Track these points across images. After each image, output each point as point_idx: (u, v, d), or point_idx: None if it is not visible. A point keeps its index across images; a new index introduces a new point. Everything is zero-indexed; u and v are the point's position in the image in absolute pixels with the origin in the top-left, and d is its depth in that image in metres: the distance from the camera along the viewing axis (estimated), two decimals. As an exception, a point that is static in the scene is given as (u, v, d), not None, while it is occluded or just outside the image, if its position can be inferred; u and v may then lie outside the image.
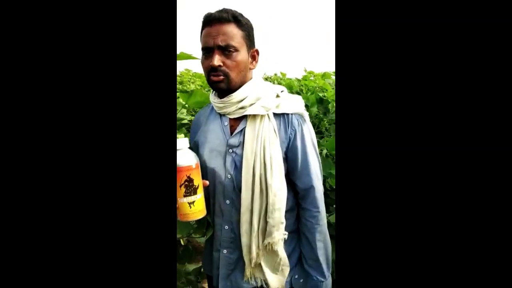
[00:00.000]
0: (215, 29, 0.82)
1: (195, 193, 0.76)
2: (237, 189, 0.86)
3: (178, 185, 0.74)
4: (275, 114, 0.86)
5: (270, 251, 0.86)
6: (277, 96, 0.89)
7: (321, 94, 2.41)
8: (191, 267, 1.19)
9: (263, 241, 0.86)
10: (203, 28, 0.85)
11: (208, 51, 0.83)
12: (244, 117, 0.87)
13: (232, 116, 0.88)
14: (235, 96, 0.84)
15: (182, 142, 0.77)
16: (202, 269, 1.25)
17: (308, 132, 0.90)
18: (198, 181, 0.77)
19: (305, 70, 3.61)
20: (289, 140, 0.87)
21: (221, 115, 0.91)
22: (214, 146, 0.89)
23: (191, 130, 1.03)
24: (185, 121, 2.00)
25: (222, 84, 0.83)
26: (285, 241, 0.89)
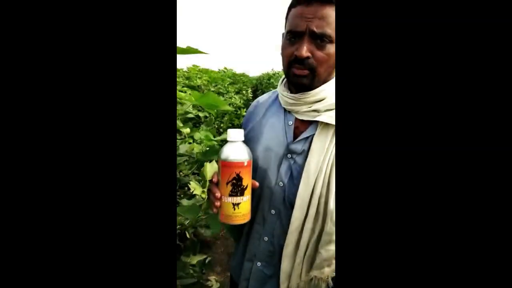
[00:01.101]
0: (312, 10, 0.64)
1: (242, 194, 0.66)
2: (288, 201, 0.73)
3: (224, 181, 0.65)
4: None
5: (314, 285, 0.72)
6: None
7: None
8: (195, 259, 1.21)
9: (307, 272, 0.72)
10: (293, 5, 0.68)
11: (295, 36, 0.67)
12: (315, 121, 0.71)
13: (300, 117, 0.73)
14: (312, 94, 0.69)
15: (236, 133, 0.67)
16: (206, 261, 1.27)
17: None
18: (247, 181, 0.66)
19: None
20: None
21: (286, 111, 0.76)
22: (270, 145, 0.76)
23: (245, 119, 0.88)
24: (191, 116, 2.01)
25: (305, 79, 0.68)
26: None
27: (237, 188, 0.65)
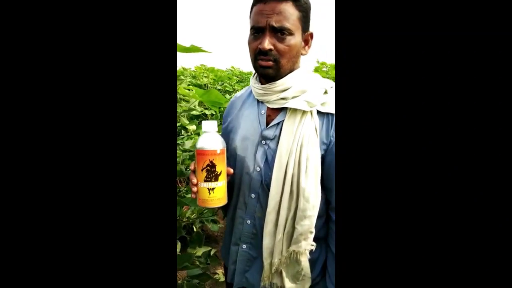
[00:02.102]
0: (270, 6, 0.71)
1: (216, 179, 0.71)
2: (265, 184, 0.79)
3: (200, 168, 0.71)
4: (319, 112, 0.76)
5: (293, 259, 0.78)
6: (325, 92, 0.78)
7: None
8: (200, 251, 1.25)
9: (287, 247, 0.78)
10: (254, 4, 0.75)
11: (258, 31, 0.73)
12: (284, 108, 0.78)
13: (271, 106, 0.79)
14: (279, 84, 0.75)
15: (210, 124, 0.72)
16: (211, 253, 1.31)
17: None
18: (221, 167, 0.72)
19: (317, 61, 3.59)
20: (330, 142, 0.76)
21: (259, 102, 0.83)
22: (247, 134, 0.82)
23: (225, 112, 0.95)
24: (196, 113, 2.05)
25: (270, 70, 0.74)
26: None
27: (211, 174, 0.71)
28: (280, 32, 0.71)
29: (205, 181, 0.71)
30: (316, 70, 3.34)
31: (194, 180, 0.73)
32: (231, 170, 0.78)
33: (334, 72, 2.78)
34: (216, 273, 1.90)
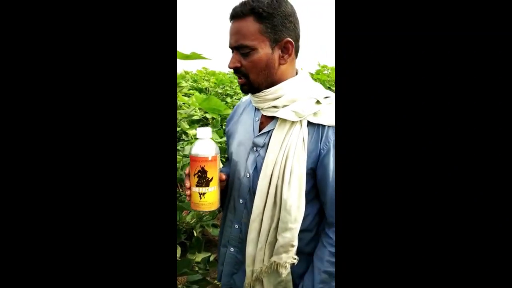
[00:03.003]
0: (233, 27, 0.74)
1: (207, 185, 0.73)
2: (252, 191, 0.79)
3: (192, 173, 0.73)
4: (310, 123, 0.75)
5: (274, 270, 0.78)
6: (318, 102, 0.75)
7: (333, 88, 2.41)
8: (200, 256, 1.25)
9: (269, 257, 0.78)
10: None
11: (232, 51, 0.76)
12: (276, 117, 0.77)
13: (264, 113, 0.80)
14: (270, 92, 0.76)
15: (204, 131, 0.74)
16: (210, 259, 1.31)
17: None
18: (212, 173, 0.73)
19: (319, 64, 3.59)
20: (319, 154, 0.74)
21: (256, 109, 0.84)
22: (242, 140, 0.84)
23: (229, 117, 0.97)
24: (196, 117, 2.06)
25: (245, 87, 0.77)
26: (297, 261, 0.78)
27: (203, 180, 0.73)
28: (241, 50, 0.73)
29: (196, 186, 0.73)
30: (318, 73, 3.35)
31: (188, 184, 0.75)
32: (224, 176, 0.79)
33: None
34: (216, 278, 1.89)
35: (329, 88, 2.44)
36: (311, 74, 3.79)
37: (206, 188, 0.73)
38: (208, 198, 0.74)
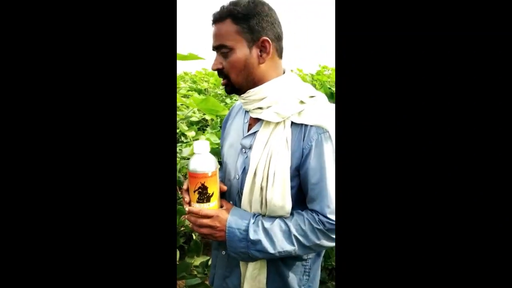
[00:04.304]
0: (214, 29, 0.76)
1: (208, 201, 0.72)
2: (241, 193, 0.79)
3: (192, 190, 0.71)
4: (294, 123, 0.74)
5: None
6: (301, 102, 0.75)
7: (333, 89, 2.39)
8: (198, 260, 1.23)
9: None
10: None
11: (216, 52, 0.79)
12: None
13: (251, 115, 0.80)
14: (252, 93, 0.76)
15: (201, 146, 0.71)
16: (209, 263, 1.29)
17: (331, 152, 0.71)
18: (213, 189, 0.72)
19: (319, 65, 3.58)
20: (302, 154, 0.73)
21: (246, 111, 0.85)
22: (232, 142, 0.85)
23: (224, 120, 0.98)
24: (195, 119, 2.04)
25: (227, 88, 0.79)
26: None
27: (203, 196, 0.72)
28: (221, 51, 0.75)
29: (197, 202, 0.72)
30: (318, 73, 3.34)
31: (187, 199, 0.75)
32: (225, 188, 0.81)
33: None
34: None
35: (329, 88, 2.43)
36: (312, 75, 3.77)
37: (208, 203, 0.72)
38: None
